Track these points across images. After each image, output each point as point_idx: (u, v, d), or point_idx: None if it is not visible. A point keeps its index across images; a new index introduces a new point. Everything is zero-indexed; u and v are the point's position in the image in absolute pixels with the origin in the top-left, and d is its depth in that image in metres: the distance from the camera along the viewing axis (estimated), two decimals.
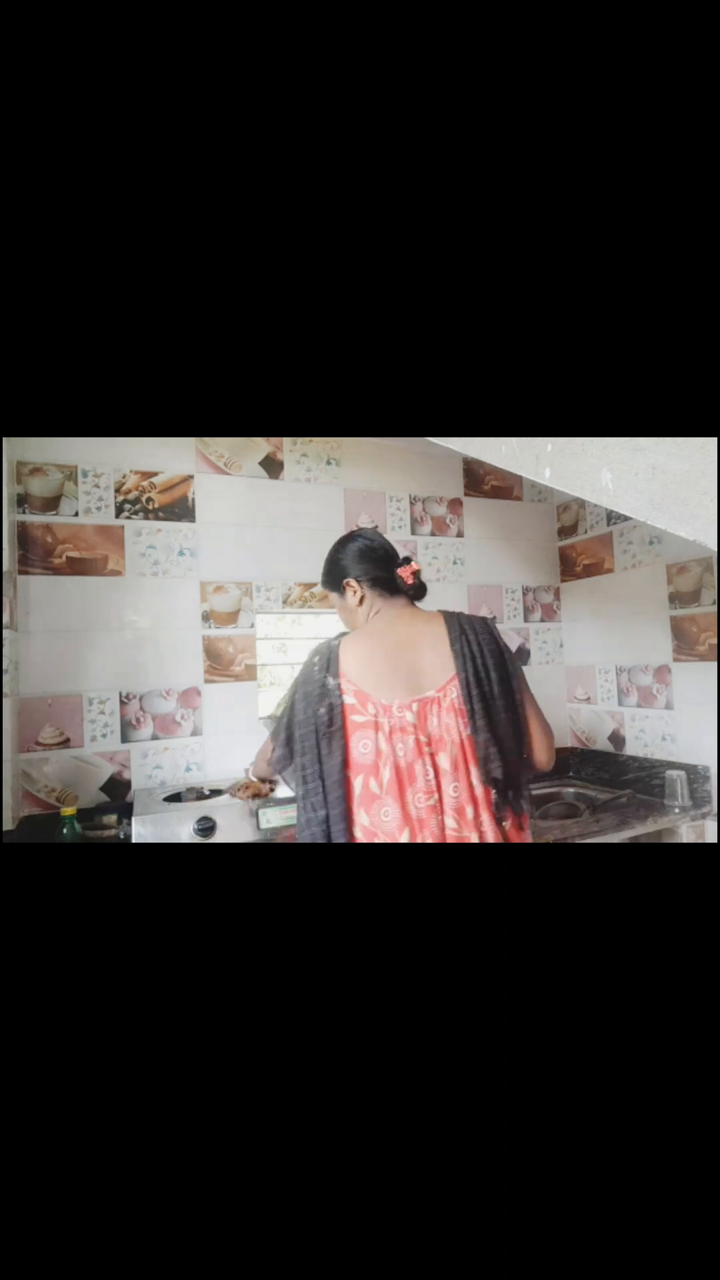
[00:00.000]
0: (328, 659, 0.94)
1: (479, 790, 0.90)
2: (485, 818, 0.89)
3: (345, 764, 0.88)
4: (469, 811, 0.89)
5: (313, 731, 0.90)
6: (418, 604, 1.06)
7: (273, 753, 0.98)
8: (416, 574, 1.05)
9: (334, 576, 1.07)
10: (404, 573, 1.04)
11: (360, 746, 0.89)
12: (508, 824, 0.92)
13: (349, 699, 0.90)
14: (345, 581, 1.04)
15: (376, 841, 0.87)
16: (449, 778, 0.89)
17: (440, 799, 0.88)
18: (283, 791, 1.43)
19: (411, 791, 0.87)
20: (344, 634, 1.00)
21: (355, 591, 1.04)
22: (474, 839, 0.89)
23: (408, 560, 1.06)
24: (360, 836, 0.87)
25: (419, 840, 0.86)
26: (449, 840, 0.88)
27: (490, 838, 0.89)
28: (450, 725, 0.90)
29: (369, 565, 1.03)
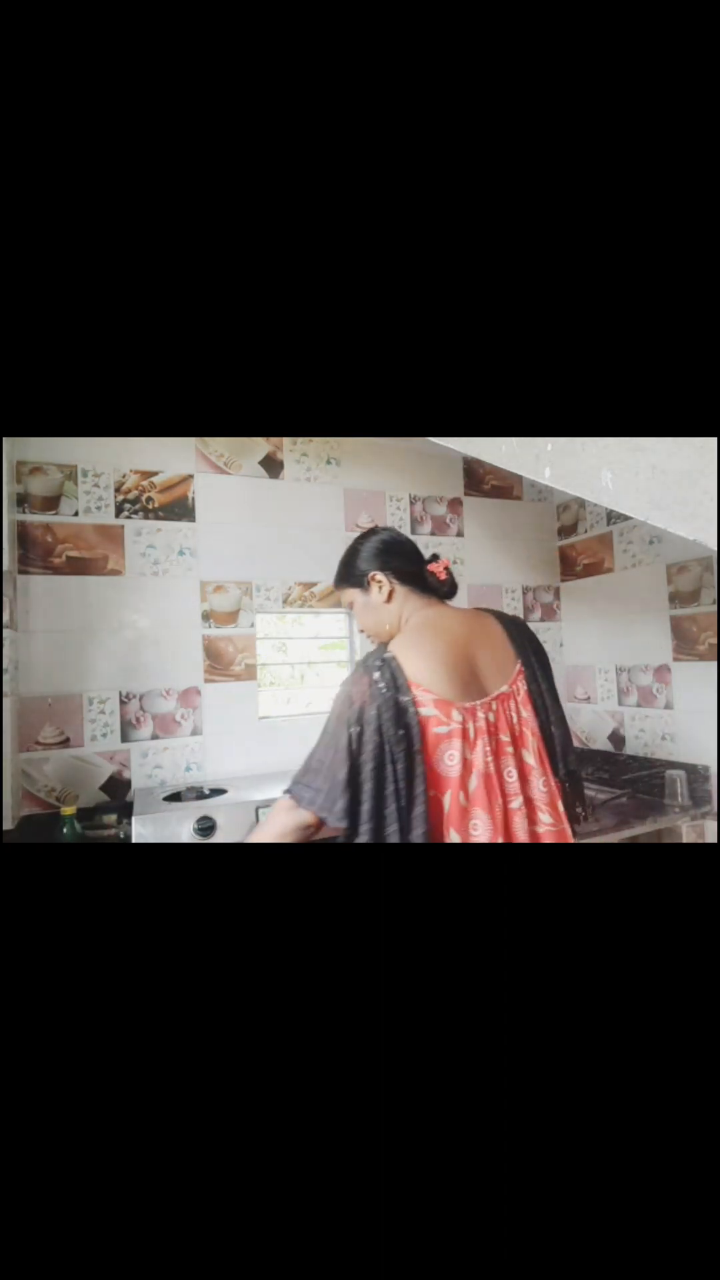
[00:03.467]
0: (392, 674, 0.82)
1: (554, 784, 0.88)
2: (563, 810, 0.88)
3: (432, 783, 0.80)
4: (560, 805, 0.87)
5: (386, 761, 0.78)
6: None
7: (329, 806, 0.80)
8: (448, 570, 0.99)
9: (354, 572, 0.99)
10: (435, 569, 0.98)
11: (446, 759, 0.81)
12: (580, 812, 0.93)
13: (427, 710, 0.81)
14: (370, 576, 0.96)
15: None
16: (536, 774, 0.86)
17: (529, 798, 0.85)
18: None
19: (498, 797, 0.82)
20: (382, 645, 0.90)
21: (383, 586, 0.96)
22: (569, 832, 0.87)
23: (436, 557, 1.00)
24: None
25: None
26: (540, 837, 0.85)
27: (570, 833, 0.89)
28: (529, 720, 0.87)
29: (396, 560, 0.97)
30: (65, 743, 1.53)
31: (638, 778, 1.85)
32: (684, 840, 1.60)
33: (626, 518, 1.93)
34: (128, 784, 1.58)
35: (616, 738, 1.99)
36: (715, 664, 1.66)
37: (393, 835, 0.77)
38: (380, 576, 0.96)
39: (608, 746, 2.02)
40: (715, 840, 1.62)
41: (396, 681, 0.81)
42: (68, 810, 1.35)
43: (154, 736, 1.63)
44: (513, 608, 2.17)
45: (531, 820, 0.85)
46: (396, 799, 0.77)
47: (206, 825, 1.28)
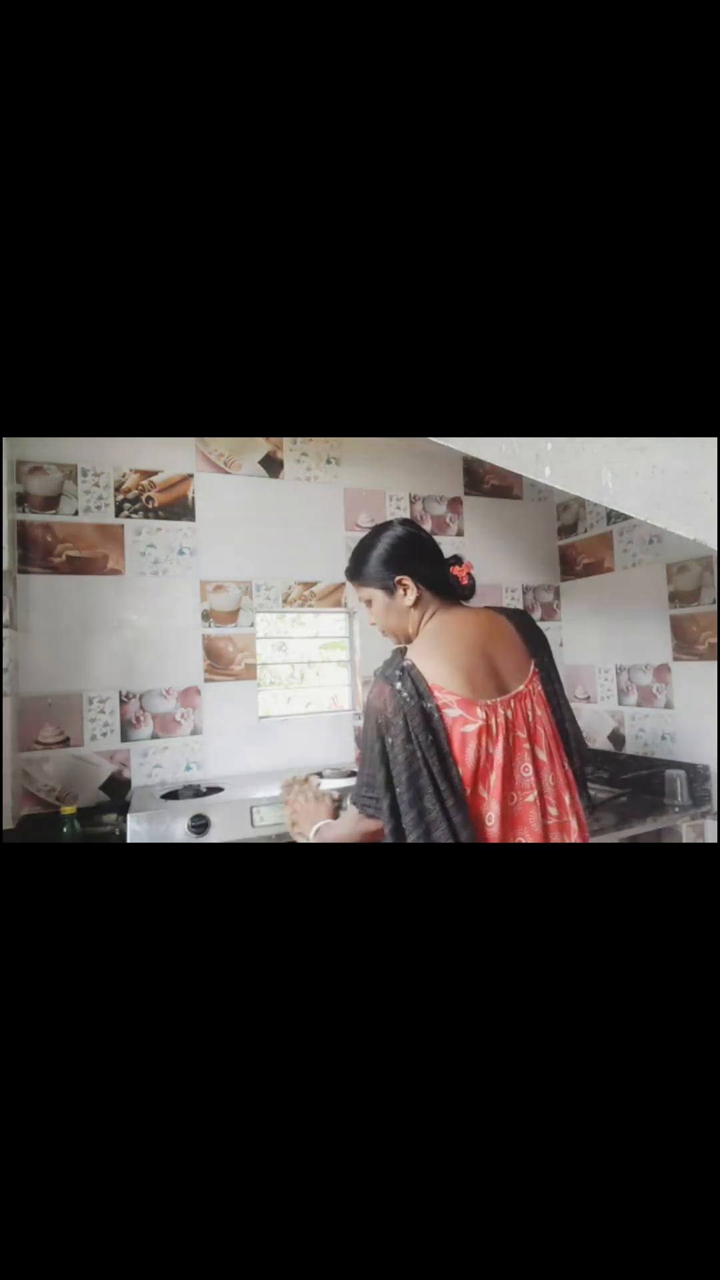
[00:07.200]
0: (413, 681, 0.83)
1: (567, 777, 0.92)
2: (576, 801, 0.92)
3: (465, 780, 0.82)
4: (566, 798, 0.90)
5: (420, 767, 0.80)
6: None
7: (382, 810, 0.83)
8: (470, 574, 0.99)
9: (377, 573, 0.95)
10: (459, 573, 0.98)
11: (469, 756, 0.83)
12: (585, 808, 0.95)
13: (453, 711, 0.82)
14: (399, 580, 0.93)
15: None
16: (546, 769, 0.89)
17: (541, 792, 0.88)
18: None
19: (510, 790, 0.85)
20: (399, 650, 0.91)
21: (409, 591, 0.93)
22: (573, 824, 0.90)
23: (458, 559, 1.00)
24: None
25: (517, 838, 0.85)
26: (549, 829, 0.88)
27: (581, 822, 0.92)
28: (543, 717, 0.90)
29: (422, 564, 0.95)
30: (65, 742, 1.53)
31: (638, 777, 1.85)
32: (684, 840, 1.60)
33: (626, 517, 1.93)
34: (128, 783, 1.58)
35: (616, 737, 2.00)
36: (715, 664, 1.67)
37: (441, 836, 0.79)
38: (408, 581, 0.93)
39: (608, 746, 2.02)
40: (715, 840, 1.62)
41: (419, 689, 0.83)
42: (68, 810, 1.35)
43: (154, 736, 1.63)
44: (513, 607, 2.17)
45: (543, 814, 0.88)
46: (439, 799, 0.80)
47: (200, 823, 1.28)
